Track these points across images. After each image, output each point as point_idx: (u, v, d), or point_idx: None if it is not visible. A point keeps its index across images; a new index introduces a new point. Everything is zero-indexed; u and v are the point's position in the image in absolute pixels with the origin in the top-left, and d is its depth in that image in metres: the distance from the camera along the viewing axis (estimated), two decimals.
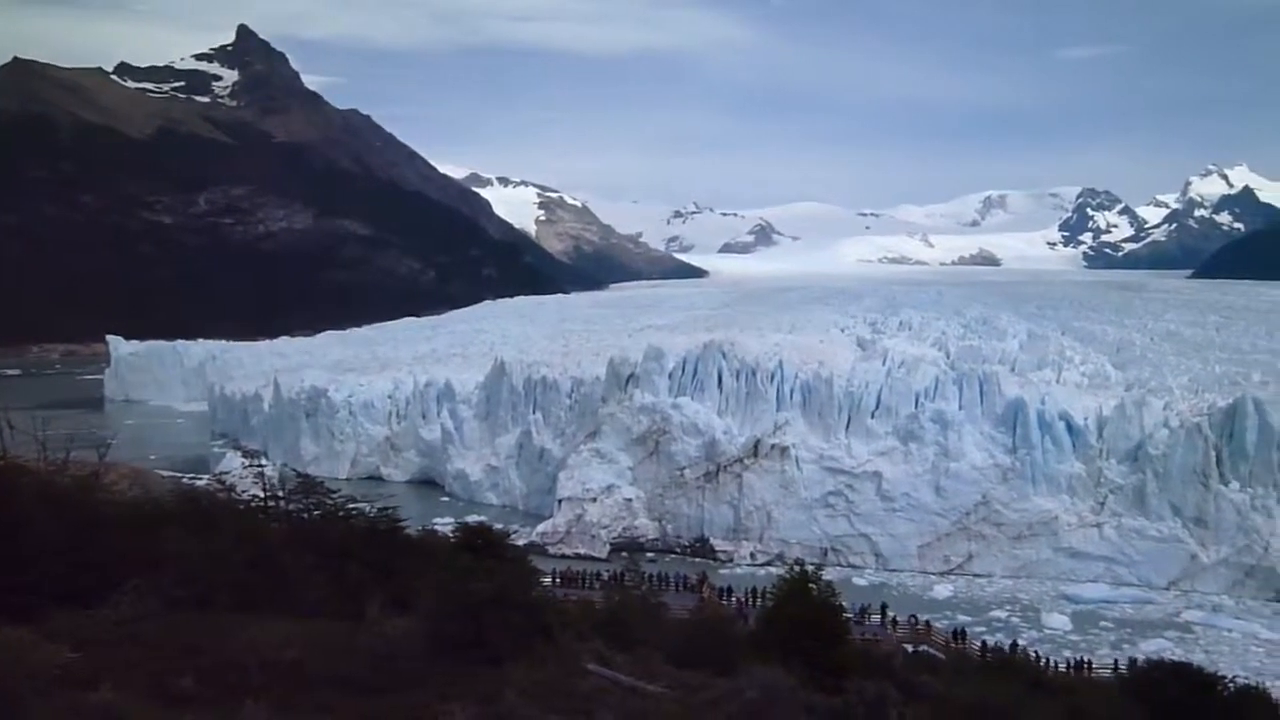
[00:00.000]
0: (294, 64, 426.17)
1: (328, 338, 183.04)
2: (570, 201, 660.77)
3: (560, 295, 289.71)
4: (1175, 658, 33.17)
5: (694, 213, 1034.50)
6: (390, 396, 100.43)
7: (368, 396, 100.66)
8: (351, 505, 17.18)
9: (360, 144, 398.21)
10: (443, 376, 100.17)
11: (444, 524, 48.61)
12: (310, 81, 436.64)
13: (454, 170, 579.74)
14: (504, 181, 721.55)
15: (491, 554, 19.67)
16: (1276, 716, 23.49)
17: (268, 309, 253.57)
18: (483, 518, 60.13)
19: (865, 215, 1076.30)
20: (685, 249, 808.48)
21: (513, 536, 48.32)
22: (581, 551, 67.56)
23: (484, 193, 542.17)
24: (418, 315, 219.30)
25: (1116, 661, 44.10)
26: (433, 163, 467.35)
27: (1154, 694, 20.01)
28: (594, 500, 71.56)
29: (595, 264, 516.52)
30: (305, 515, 17.03)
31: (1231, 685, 22.08)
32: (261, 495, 17.67)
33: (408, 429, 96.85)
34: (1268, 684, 33.92)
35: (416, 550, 16.82)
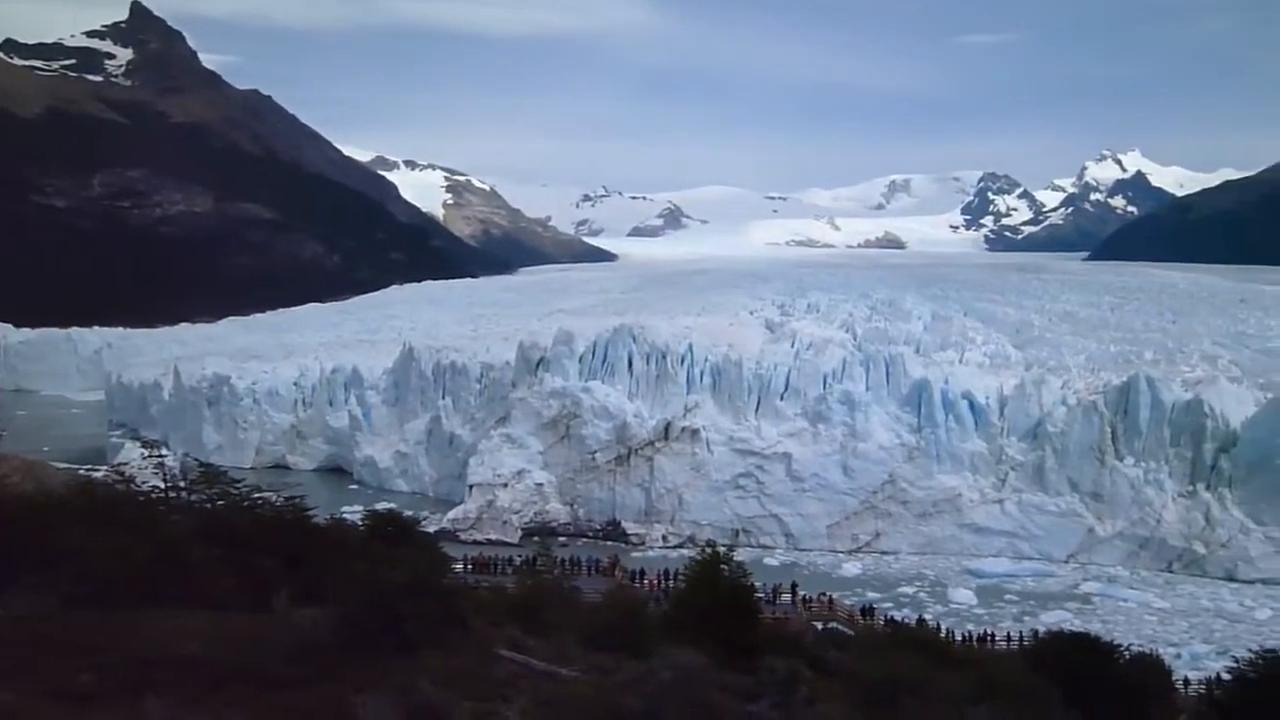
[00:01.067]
0: (191, 42, 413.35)
1: (230, 324, 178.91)
2: (478, 185, 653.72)
3: (469, 279, 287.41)
4: (1074, 628, 34.21)
5: (603, 196, 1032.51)
6: (296, 384, 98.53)
7: (273, 384, 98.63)
8: (257, 495, 16.81)
9: (262, 126, 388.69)
10: (350, 362, 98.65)
11: (353, 512, 47.77)
12: (209, 61, 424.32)
13: (359, 153, 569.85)
14: (411, 165, 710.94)
15: (402, 541, 19.47)
16: (1169, 681, 24.46)
17: (167, 295, 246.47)
18: (392, 505, 59.23)
19: (773, 199, 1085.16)
20: (595, 233, 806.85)
21: (423, 523, 47.95)
22: (493, 537, 67.25)
23: (390, 176, 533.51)
24: (323, 301, 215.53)
25: (1021, 634, 45.38)
26: (337, 145, 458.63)
27: (1055, 664, 20.63)
28: (505, 485, 71.25)
29: (504, 248, 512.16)
30: (208, 506, 16.63)
31: (1127, 653, 22.89)
32: (162, 487, 17.19)
33: (314, 416, 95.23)
34: (1161, 651, 35.30)
35: (325, 539, 16.54)
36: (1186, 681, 34.12)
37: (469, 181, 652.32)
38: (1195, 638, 50.75)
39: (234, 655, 9.64)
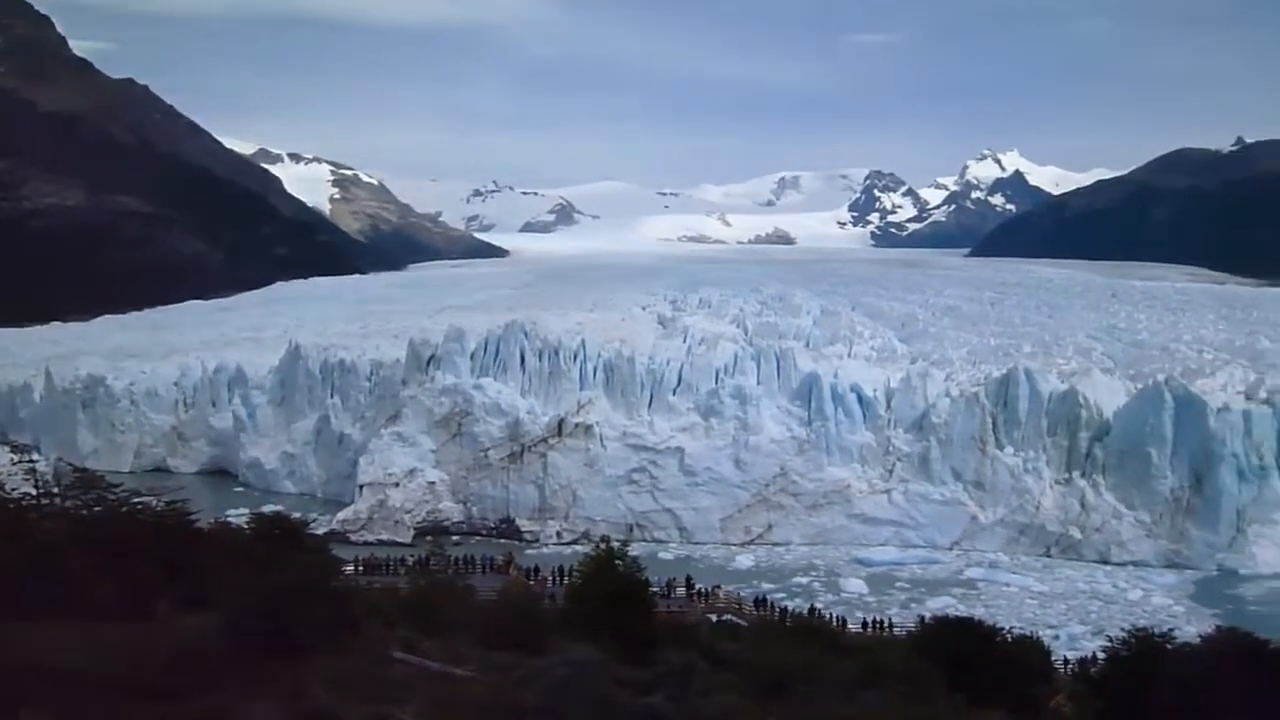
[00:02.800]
0: (61, 28, 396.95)
1: (106, 322, 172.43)
2: (366, 179, 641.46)
3: (358, 275, 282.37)
4: (959, 613, 35.23)
5: (494, 191, 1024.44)
6: (177, 384, 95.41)
7: (151, 384, 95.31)
8: (136, 500, 16.26)
9: (137, 115, 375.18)
10: (234, 361, 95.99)
11: (238, 515, 46.68)
12: (80, 48, 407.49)
13: (241, 145, 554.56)
14: (296, 158, 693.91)
15: (290, 544, 19.05)
16: (1049, 661, 25.33)
17: (37, 292, 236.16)
18: (280, 507, 57.81)
19: (665, 195, 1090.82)
20: (486, 228, 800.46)
21: (312, 525, 47.11)
22: (385, 537, 66.24)
23: (274, 169, 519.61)
24: (205, 298, 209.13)
25: (906, 621, 46.52)
26: (218, 137, 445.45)
27: (941, 648, 21.19)
28: (396, 485, 70.27)
29: (394, 243, 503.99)
30: (84, 512, 16.02)
31: (1009, 635, 23.66)
32: (34, 493, 16.52)
33: (196, 417, 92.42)
34: (1041, 632, 36.59)
35: (209, 544, 16.10)
36: (1066, 661, 35.38)
37: (356, 175, 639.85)
38: (1072, 619, 52.72)
39: (114, 666, 9.31)
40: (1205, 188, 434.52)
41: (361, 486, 70.88)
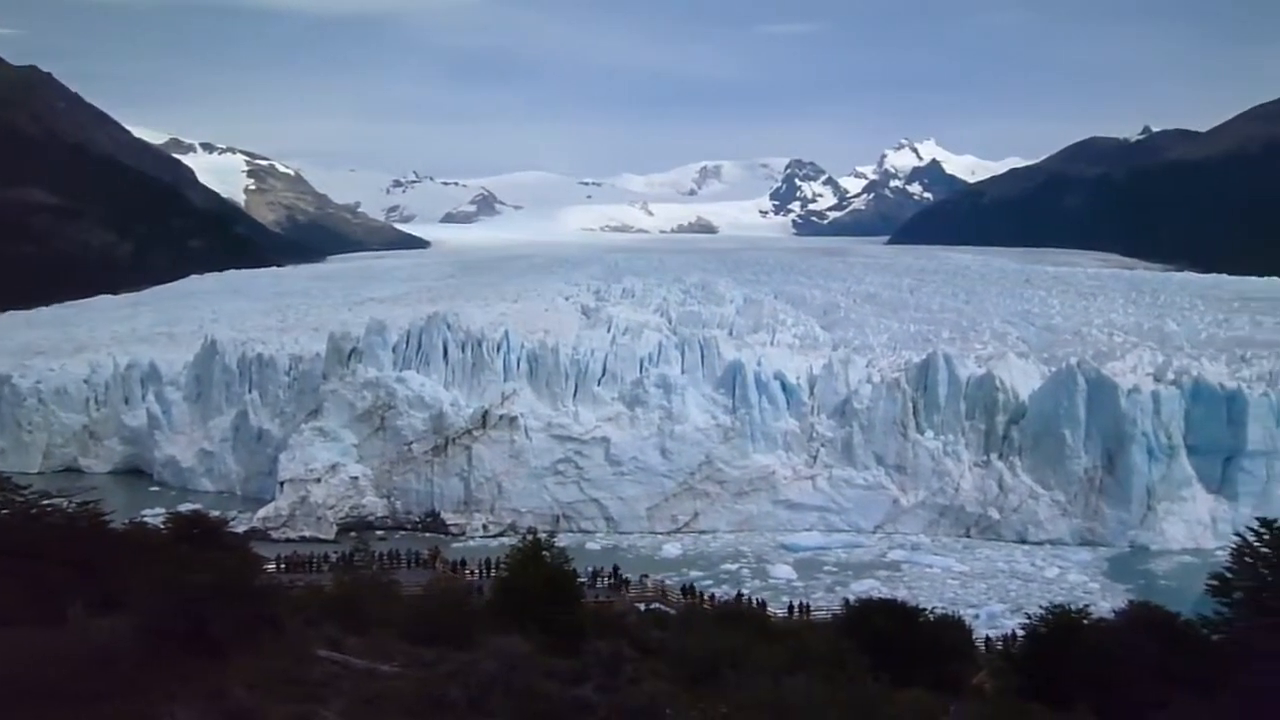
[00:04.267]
0: None
1: (10, 318, 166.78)
2: (283, 170, 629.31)
3: (275, 268, 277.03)
4: (883, 595, 35.76)
5: (414, 182, 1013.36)
6: (87, 381, 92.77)
7: (60, 382, 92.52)
8: (46, 501, 15.75)
9: (41, 104, 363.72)
10: (147, 357, 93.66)
11: (154, 515, 45.69)
12: None
13: (151, 135, 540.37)
14: (209, 148, 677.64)
15: (209, 543, 18.66)
16: (970, 640, 25.86)
17: None
18: (198, 506, 56.73)
19: (587, 184, 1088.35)
20: (406, 219, 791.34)
21: (231, 523, 46.17)
22: (307, 534, 65.25)
23: (187, 160, 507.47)
24: (115, 292, 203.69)
25: (832, 604, 47.11)
26: (127, 126, 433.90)
27: (865, 630, 21.52)
28: (318, 480, 69.24)
29: (312, 235, 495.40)
30: None
31: (931, 615, 24.11)
32: None
33: (109, 415, 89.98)
34: (961, 612, 37.28)
35: (124, 545, 15.68)
36: (987, 639, 36.12)
37: (272, 166, 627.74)
38: (992, 598, 53.90)
39: (26, 671, 9.02)
40: (1114, 176, 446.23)
41: (282, 483, 69.70)
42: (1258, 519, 16.14)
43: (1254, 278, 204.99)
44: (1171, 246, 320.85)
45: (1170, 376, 71.96)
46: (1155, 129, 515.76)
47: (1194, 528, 64.33)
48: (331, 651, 11.06)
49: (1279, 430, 67.02)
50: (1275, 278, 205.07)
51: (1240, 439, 66.16)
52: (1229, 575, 15.50)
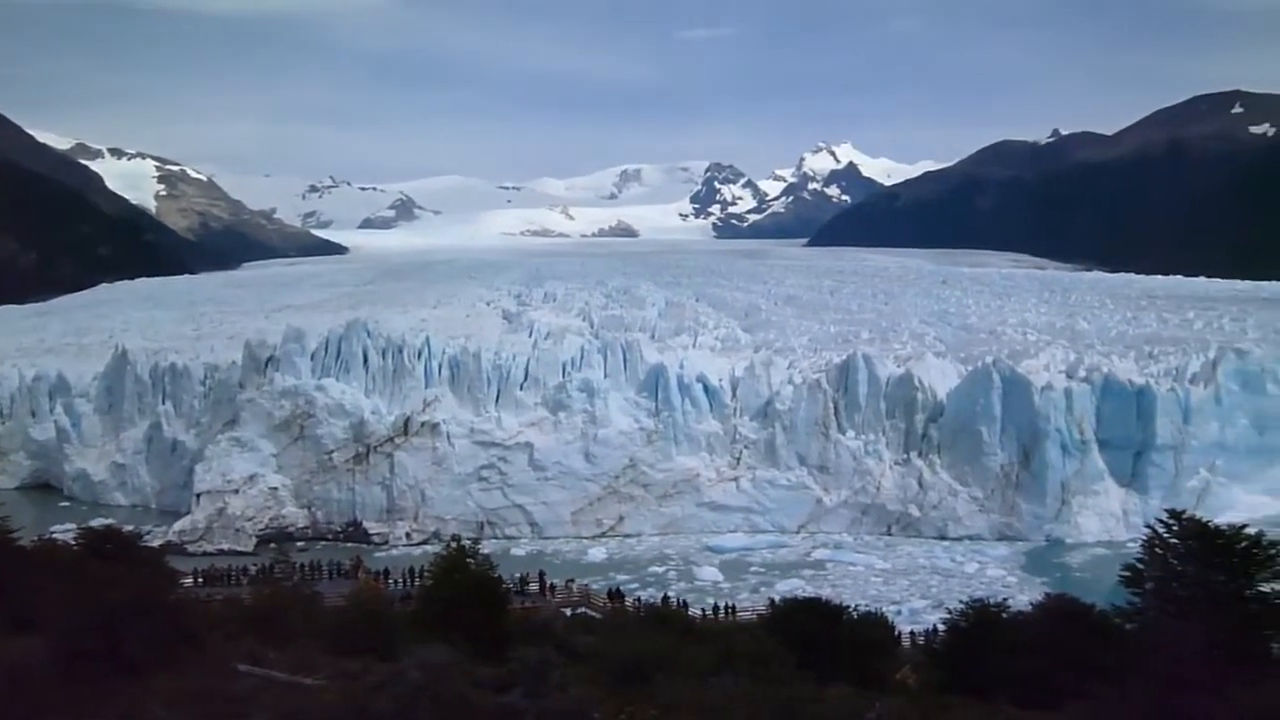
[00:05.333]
0: None
1: None
2: (195, 175, 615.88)
3: (188, 276, 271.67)
4: (807, 594, 36.14)
5: (331, 187, 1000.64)
6: None
7: None
8: None
9: None
10: (54, 368, 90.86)
11: (65, 531, 44.45)
12: None
13: (57, 140, 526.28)
14: (117, 153, 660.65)
15: (123, 558, 18.18)
16: (893, 636, 26.23)
17: None
18: (110, 520, 55.44)
19: (507, 189, 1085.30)
20: (323, 225, 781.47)
21: (146, 537, 45.01)
22: (225, 547, 63.93)
23: (94, 165, 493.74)
24: (20, 302, 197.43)
25: (758, 604, 47.46)
26: (30, 131, 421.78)
27: (791, 628, 21.72)
28: (236, 492, 67.88)
29: (226, 242, 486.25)
30: None
31: (855, 613, 24.43)
32: None
33: (15, 429, 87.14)
34: (884, 609, 37.84)
35: (34, 562, 15.22)
36: (911, 636, 36.69)
37: (184, 171, 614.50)
38: (914, 594, 54.75)
39: None
40: (1025, 178, 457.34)
41: (198, 495, 68.18)
42: (1167, 511, 16.66)
43: (1160, 276, 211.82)
44: (1081, 246, 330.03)
45: (1082, 374, 73.88)
46: (1064, 132, 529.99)
47: (1106, 520, 66.06)
48: (253, 666, 10.84)
49: (1186, 425, 69.20)
50: (1180, 276, 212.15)
51: (1149, 434, 68.14)
52: (1140, 566, 15.96)
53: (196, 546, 63.61)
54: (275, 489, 68.96)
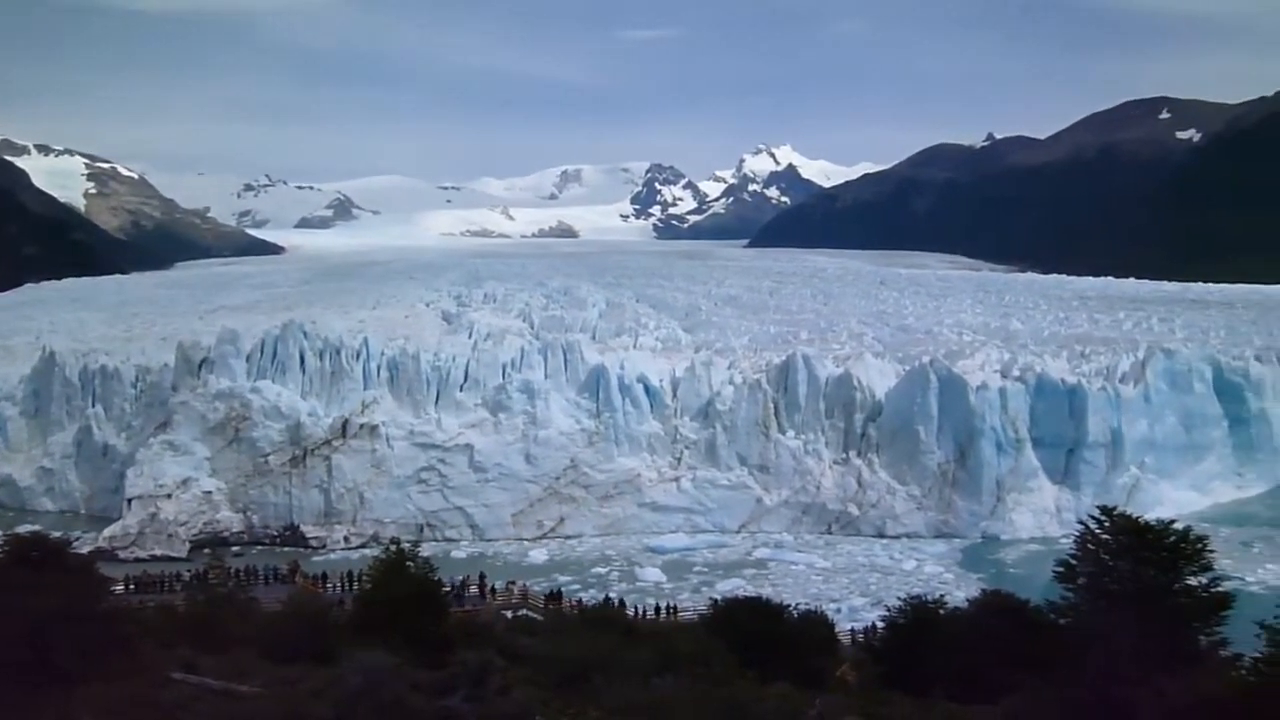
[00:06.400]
0: None
1: None
2: (126, 173, 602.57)
3: (119, 276, 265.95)
4: (748, 594, 36.31)
5: (267, 186, 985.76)
6: None
7: None
8: None
9: None
10: None
11: None
12: None
13: None
14: (44, 150, 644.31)
15: (50, 566, 17.74)
16: (833, 634, 26.43)
17: None
18: (38, 527, 54.08)
19: (446, 189, 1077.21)
20: (259, 224, 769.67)
21: (75, 544, 44.00)
22: (158, 553, 62.65)
23: (20, 162, 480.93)
24: None
25: (699, 604, 47.56)
26: None
27: (732, 628, 21.82)
28: (169, 496, 66.60)
29: (159, 241, 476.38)
30: None
31: (795, 612, 24.62)
32: None
33: None
34: (825, 607, 38.16)
35: None
36: (853, 632, 37.01)
37: (115, 169, 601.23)
38: (854, 592, 55.29)
39: None
40: (961, 181, 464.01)
41: (130, 500, 66.78)
42: (1099, 507, 16.94)
43: (1091, 278, 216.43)
44: (1015, 248, 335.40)
45: (1016, 373, 75.26)
46: (998, 136, 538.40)
47: (1040, 517, 67.26)
48: (186, 674, 10.64)
49: (1117, 423, 70.67)
50: (1111, 278, 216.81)
51: (1081, 431, 69.53)
52: (1073, 562, 16.21)
53: (128, 553, 62.27)
54: (209, 493, 67.79)
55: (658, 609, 46.94)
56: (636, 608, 46.51)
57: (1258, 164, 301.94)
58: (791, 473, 69.28)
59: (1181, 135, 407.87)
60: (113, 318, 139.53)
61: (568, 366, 74.61)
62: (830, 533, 67.47)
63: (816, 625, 25.17)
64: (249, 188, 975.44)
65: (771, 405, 70.95)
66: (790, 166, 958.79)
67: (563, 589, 52.31)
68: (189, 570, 50.62)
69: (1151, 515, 17.85)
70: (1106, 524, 15.95)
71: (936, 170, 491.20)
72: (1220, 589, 15.34)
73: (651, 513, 68.62)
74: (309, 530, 67.00)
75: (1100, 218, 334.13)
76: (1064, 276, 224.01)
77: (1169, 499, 69.13)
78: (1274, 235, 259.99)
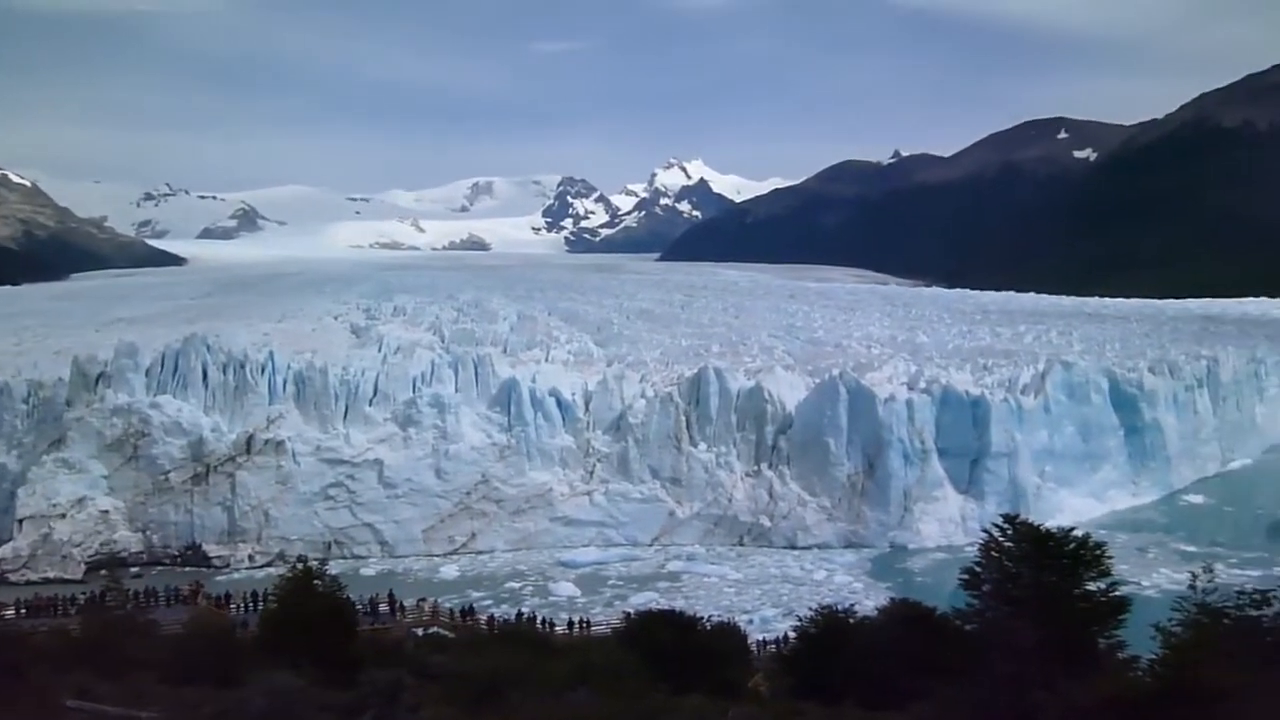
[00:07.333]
0: None
1: None
2: (16, 180, 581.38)
3: (9, 287, 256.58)
4: (661, 606, 36.40)
5: (168, 195, 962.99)
6: None
7: None
8: None
9: None
10: None
11: None
12: None
13: None
14: None
15: None
16: (745, 644, 26.57)
17: None
18: None
19: (355, 200, 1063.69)
20: (160, 234, 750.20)
21: None
22: (51, 575, 60.44)
23: None
24: None
25: (611, 618, 47.48)
26: None
27: (646, 640, 21.80)
28: (63, 516, 64.31)
29: (52, 251, 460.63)
30: None
31: (708, 623, 24.70)
32: None
33: None
34: (737, 618, 38.42)
35: None
36: (762, 643, 37.27)
37: (5, 176, 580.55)
38: (766, 603, 55.63)
39: None
40: (869, 196, 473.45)
41: (21, 521, 64.32)
42: (1002, 516, 17.31)
43: (993, 292, 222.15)
44: (920, 263, 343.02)
45: (922, 385, 76.73)
46: (904, 153, 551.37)
47: (946, 526, 68.58)
48: (82, 701, 10.26)
49: (1018, 433, 72.46)
50: (1012, 292, 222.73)
51: (985, 442, 71.11)
52: (978, 569, 16.52)
53: (19, 575, 60.04)
54: (106, 512, 65.64)
55: (570, 623, 46.73)
56: (547, 621, 46.29)
57: (1151, 183, 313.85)
58: (704, 485, 69.61)
59: (1079, 154, 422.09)
60: (3, 330, 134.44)
61: (479, 380, 74.02)
62: (742, 544, 67.91)
63: (729, 637, 25.29)
64: (149, 196, 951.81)
65: (683, 418, 71.25)
66: (702, 181, 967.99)
67: (475, 604, 51.81)
68: (84, 593, 48.93)
69: (1052, 523, 18.30)
70: (1009, 532, 16.29)
71: (845, 186, 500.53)
72: (1117, 593, 15.77)
73: (564, 527, 68.36)
74: (212, 549, 65.28)
75: (1002, 234, 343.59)
76: (968, 291, 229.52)
77: (1068, 506, 71.14)
78: (1167, 251, 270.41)
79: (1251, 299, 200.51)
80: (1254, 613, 13.79)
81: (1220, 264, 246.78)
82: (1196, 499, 78.88)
